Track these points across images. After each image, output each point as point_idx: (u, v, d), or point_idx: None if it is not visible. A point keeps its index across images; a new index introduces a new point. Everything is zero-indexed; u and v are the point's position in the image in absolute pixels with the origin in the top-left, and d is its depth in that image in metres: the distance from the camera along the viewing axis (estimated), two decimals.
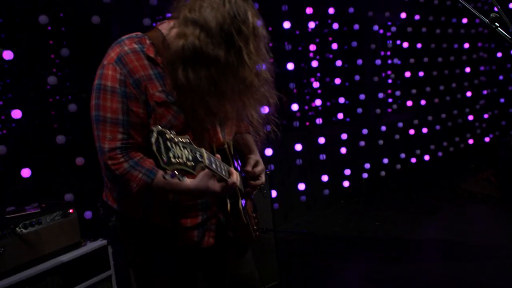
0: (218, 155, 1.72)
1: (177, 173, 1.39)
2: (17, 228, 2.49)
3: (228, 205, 1.84)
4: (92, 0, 3.78)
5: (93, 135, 1.69)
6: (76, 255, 2.72)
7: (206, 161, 1.52)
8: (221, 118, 1.85)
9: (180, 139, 1.43)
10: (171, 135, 1.40)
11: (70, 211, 2.80)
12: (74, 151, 3.58)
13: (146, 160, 1.68)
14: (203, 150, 1.53)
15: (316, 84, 5.49)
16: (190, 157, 1.44)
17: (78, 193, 3.46)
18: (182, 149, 1.41)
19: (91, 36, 3.87)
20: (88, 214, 3.48)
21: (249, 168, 2.00)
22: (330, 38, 5.61)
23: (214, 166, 1.61)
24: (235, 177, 1.73)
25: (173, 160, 1.35)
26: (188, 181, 1.63)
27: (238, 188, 1.84)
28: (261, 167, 2.04)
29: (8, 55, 3.20)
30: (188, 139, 1.48)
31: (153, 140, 1.31)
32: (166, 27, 1.73)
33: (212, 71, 1.59)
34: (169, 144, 1.36)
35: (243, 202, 1.95)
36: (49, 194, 3.33)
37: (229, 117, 1.84)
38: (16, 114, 3.28)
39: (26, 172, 3.31)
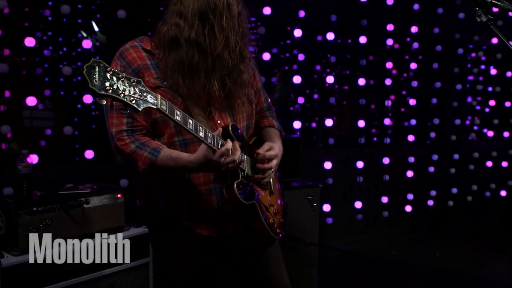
0: (220, 129, 1.78)
1: (115, 104, 1.45)
2: (65, 204, 2.66)
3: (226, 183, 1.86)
4: None
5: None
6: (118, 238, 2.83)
7: (160, 105, 1.53)
8: (230, 105, 1.96)
9: (129, 78, 1.46)
10: (115, 70, 1.42)
11: (118, 196, 2.94)
12: None
13: (151, 142, 1.83)
14: (159, 96, 1.55)
15: (388, 103, 5.34)
16: (137, 96, 1.46)
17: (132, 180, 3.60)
18: (127, 85, 1.44)
19: None
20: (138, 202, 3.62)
21: (260, 150, 2.00)
22: (407, 57, 5.44)
23: (178, 118, 1.60)
24: (229, 145, 1.72)
25: (107, 88, 1.38)
26: (187, 154, 1.78)
27: (240, 168, 1.87)
28: (273, 151, 2.01)
29: None
30: (140, 81, 1.50)
31: (85, 66, 1.34)
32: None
33: (184, 51, 1.76)
34: (108, 75, 1.39)
35: (257, 193, 1.97)
36: (108, 177, 3.52)
37: (218, 95, 1.88)
38: (87, 98, 3.51)
39: (89, 154, 3.52)
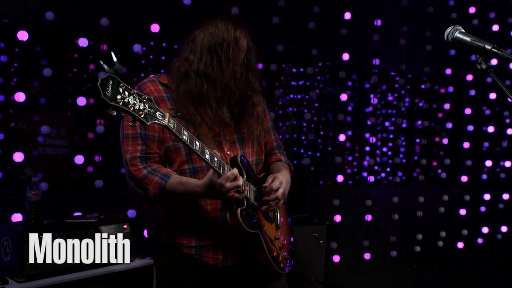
0: (228, 159, 1.89)
1: (123, 114, 1.48)
2: (71, 233, 2.68)
3: (228, 214, 1.89)
4: None
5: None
6: (121, 268, 2.83)
7: (167, 123, 1.59)
8: (240, 137, 2.05)
9: (141, 94, 1.52)
10: (129, 86, 1.48)
11: (124, 226, 2.96)
12: None
13: (163, 168, 1.90)
14: (168, 114, 1.61)
15: (398, 141, 5.36)
16: (146, 111, 1.52)
17: (141, 210, 3.63)
18: (138, 101, 1.50)
19: None
20: (146, 232, 3.64)
21: (266, 184, 2.04)
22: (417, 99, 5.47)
23: (185, 137, 1.66)
24: (235, 171, 1.76)
25: (118, 100, 1.43)
26: (195, 179, 1.86)
27: (246, 197, 1.90)
28: (278, 181, 2.05)
29: None
30: (152, 99, 1.56)
31: (100, 79, 1.39)
32: None
33: (193, 82, 1.89)
34: (121, 89, 1.45)
35: (263, 224, 2.01)
36: (116, 207, 3.55)
37: (228, 121, 2.01)
38: (100, 128, 3.58)
39: (99, 183, 3.57)
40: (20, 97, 3.27)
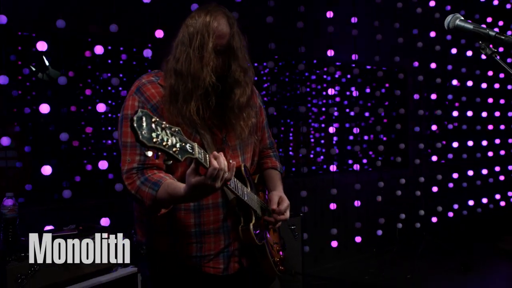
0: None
1: (159, 154, 1.40)
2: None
3: (241, 225, 1.90)
4: None
5: None
6: (106, 280, 2.76)
7: (197, 154, 1.51)
8: (240, 143, 1.99)
9: (170, 127, 1.44)
10: (158, 119, 1.40)
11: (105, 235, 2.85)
12: (114, 176, 3.69)
13: (155, 175, 1.78)
14: (196, 144, 1.52)
15: (356, 130, 5.49)
16: (178, 145, 1.43)
17: (114, 218, 3.52)
18: (169, 135, 1.42)
19: None
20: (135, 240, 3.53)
21: (274, 206, 2.05)
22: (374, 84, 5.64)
23: (207, 164, 1.56)
24: (220, 161, 1.59)
25: (154, 139, 1.36)
26: (180, 188, 1.67)
27: (252, 209, 1.90)
28: (286, 203, 2.08)
29: None
30: (179, 130, 1.48)
31: (135, 117, 1.33)
32: None
33: (168, 82, 1.82)
34: (153, 126, 1.37)
35: (266, 232, 2.03)
36: (85, 217, 3.41)
37: (206, 116, 1.87)
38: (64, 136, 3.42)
39: (67, 193, 3.41)
40: None
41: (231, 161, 1.90)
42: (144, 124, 1.34)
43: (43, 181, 3.51)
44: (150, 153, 1.36)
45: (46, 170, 3.27)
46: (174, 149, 1.41)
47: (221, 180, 1.59)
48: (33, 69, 3.98)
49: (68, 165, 3.73)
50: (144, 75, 1.94)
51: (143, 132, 1.33)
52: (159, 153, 1.39)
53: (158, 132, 1.37)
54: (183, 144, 1.46)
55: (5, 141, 3.18)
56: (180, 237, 1.92)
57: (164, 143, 1.38)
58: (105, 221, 3.44)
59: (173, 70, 1.81)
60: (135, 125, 1.31)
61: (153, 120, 1.37)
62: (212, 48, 1.78)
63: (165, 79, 1.85)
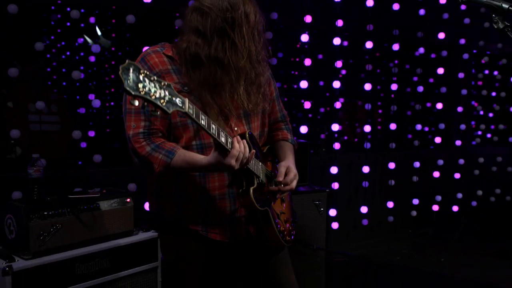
0: (237, 136, 1.77)
1: (146, 104, 1.44)
2: (75, 208, 2.67)
3: (243, 186, 1.89)
4: None
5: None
6: (126, 242, 2.85)
7: (187, 109, 1.54)
8: (245, 111, 1.98)
9: (160, 80, 1.46)
10: (148, 72, 1.43)
11: (127, 200, 2.94)
12: None
13: (167, 143, 1.85)
14: (187, 100, 1.55)
15: (392, 108, 5.35)
16: (167, 98, 1.46)
17: (142, 184, 3.62)
18: (157, 88, 1.45)
19: None
20: (148, 205, 3.63)
21: (280, 178, 2.03)
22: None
23: (203, 122, 1.61)
24: (241, 146, 1.71)
25: (141, 89, 1.38)
26: (200, 158, 1.79)
27: (255, 174, 1.89)
28: (292, 174, 2.06)
29: None
30: (170, 84, 1.50)
31: (121, 67, 1.35)
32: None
33: (207, 69, 1.80)
34: (141, 77, 1.40)
35: (271, 200, 2.03)
36: (116, 181, 3.52)
37: (239, 105, 1.92)
38: (96, 103, 3.52)
39: (97, 158, 3.53)
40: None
41: (235, 129, 1.93)
42: (131, 74, 1.37)
43: (75, 146, 3.63)
44: (136, 103, 1.39)
45: (76, 135, 3.39)
46: (162, 101, 1.45)
47: (241, 162, 1.71)
48: (88, 39, 4.12)
49: (100, 131, 3.84)
50: (150, 47, 1.96)
51: (128, 81, 1.36)
52: (146, 103, 1.43)
53: (145, 84, 1.40)
54: (172, 97, 1.49)
55: (40, 105, 3.31)
56: (185, 203, 1.95)
57: (151, 94, 1.41)
58: (132, 187, 3.53)
59: (210, 57, 1.80)
60: (120, 73, 1.34)
61: (141, 71, 1.40)
62: (257, 40, 1.87)
63: (192, 62, 1.83)
